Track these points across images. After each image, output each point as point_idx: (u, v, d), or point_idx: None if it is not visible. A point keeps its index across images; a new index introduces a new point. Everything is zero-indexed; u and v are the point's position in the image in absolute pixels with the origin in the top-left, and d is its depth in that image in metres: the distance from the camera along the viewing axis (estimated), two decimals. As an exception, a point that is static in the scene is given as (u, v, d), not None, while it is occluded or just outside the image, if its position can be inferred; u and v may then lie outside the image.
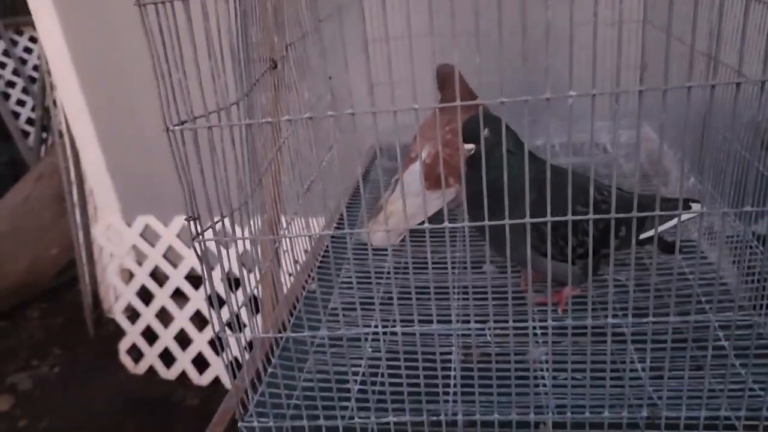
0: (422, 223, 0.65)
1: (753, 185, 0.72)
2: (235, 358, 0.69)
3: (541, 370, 0.75)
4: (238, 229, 0.64)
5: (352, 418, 0.68)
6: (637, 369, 0.70)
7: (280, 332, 0.80)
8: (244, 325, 0.67)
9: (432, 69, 1.12)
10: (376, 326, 0.66)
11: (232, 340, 0.66)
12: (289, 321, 0.85)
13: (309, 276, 1.00)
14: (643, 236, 0.82)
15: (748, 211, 0.57)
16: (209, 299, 0.60)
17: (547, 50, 0.54)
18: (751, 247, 0.84)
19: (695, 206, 0.87)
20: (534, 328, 0.64)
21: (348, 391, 0.70)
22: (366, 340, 0.79)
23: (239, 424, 0.68)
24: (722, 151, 0.92)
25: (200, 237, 0.59)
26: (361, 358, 0.77)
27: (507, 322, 0.62)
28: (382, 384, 0.69)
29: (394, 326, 0.63)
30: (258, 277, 0.69)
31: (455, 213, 1.12)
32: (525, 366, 0.73)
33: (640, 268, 0.91)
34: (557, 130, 1.31)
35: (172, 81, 0.55)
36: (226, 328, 0.64)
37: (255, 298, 0.73)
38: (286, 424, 0.68)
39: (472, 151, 0.79)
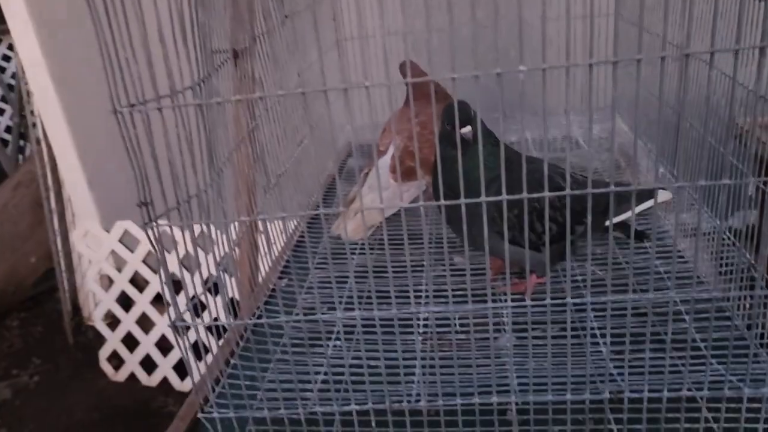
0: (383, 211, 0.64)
1: (707, 161, 0.72)
2: (201, 347, 0.68)
3: (505, 356, 0.74)
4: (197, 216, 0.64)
5: (314, 408, 0.67)
6: (600, 351, 0.70)
7: (241, 320, 0.79)
8: (205, 316, 0.66)
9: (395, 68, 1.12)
10: (337, 311, 0.65)
11: (193, 331, 0.65)
12: (255, 315, 0.84)
13: (279, 272, 0.99)
14: (607, 223, 0.82)
15: (702, 185, 0.57)
16: (163, 286, 0.59)
17: (496, 28, 0.54)
18: (717, 233, 0.84)
19: (662, 193, 0.88)
20: (497, 314, 0.64)
21: (311, 383, 0.69)
22: (330, 332, 0.79)
23: (199, 415, 0.67)
24: (689, 139, 0.92)
25: (152, 222, 0.58)
26: (325, 351, 0.76)
27: (467, 305, 0.61)
28: (346, 374, 0.69)
29: (355, 312, 0.63)
30: (218, 263, 0.68)
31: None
32: (488, 353, 0.73)
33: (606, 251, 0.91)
34: (530, 124, 1.31)
35: (119, 61, 0.54)
36: (185, 316, 0.63)
37: (216, 288, 0.72)
38: (247, 414, 0.67)
39: (469, 134, 0.78)
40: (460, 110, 0.79)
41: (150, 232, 0.58)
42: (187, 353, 0.63)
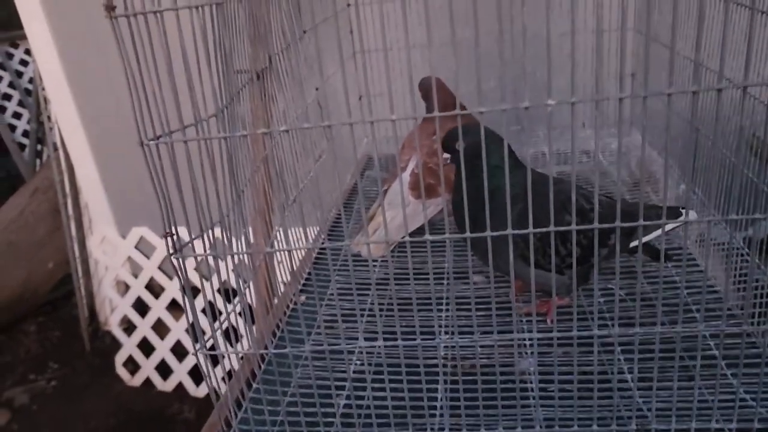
0: (404, 236, 0.64)
1: (739, 191, 0.71)
2: (228, 372, 0.68)
3: (529, 382, 0.74)
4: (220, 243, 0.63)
5: (337, 434, 0.66)
6: (626, 380, 0.69)
7: (264, 348, 0.79)
8: (231, 342, 0.65)
9: (418, 79, 1.11)
10: (358, 340, 0.64)
11: (218, 359, 0.65)
12: (275, 336, 0.83)
13: (297, 290, 0.98)
14: (632, 245, 0.81)
15: (734, 219, 0.56)
16: (191, 319, 0.59)
17: (524, 54, 0.53)
18: (741, 255, 0.83)
19: (690, 213, 0.86)
20: (521, 339, 0.63)
21: (333, 406, 0.69)
22: (351, 353, 0.78)
23: (222, 441, 0.67)
24: (711, 157, 0.91)
25: (178, 253, 0.58)
26: (346, 373, 0.76)
27: (492, 333, 0.61)
28: (368, 399, 0.68)
29: (377, 340, 0.62)
30: (243, 290, 0.68)
31: (442, 224, 1.11)
32: (512, 378, 0.72)
33: (631, 276, 0.90)
34: (546, 138, 1.30)
35: (146, 94, 0.54)
36: (213, 343, 0.63)
37: (244, 312, 0.72)
38: (270, 441, 0.67)
39: (447, 161, 0.78)
40: (446, 138, 0.79)
41: (176, 262, 0.58)
42: (211, 379, 0.62)
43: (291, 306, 0.92)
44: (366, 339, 0.77)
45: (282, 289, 1.01)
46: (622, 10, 0.55)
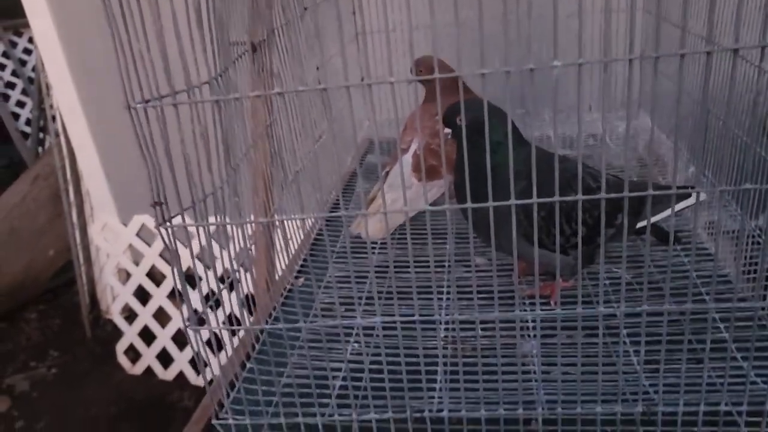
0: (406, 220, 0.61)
1: (751, 166, 0.68)
2: (215, 345, 0.66)
3: (531, 364, 0.71)
4: (212, 217, 0.61)
5: (332, 415, 0.64)
6: (632, 362, 0.66)
7: (258, 324, 0.77)
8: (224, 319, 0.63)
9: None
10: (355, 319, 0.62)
11: (204, 335, 0.63)
12: (271, 317, 0.81)
13: (296, 270, 0.96)
14: (639, 225, 0.78)
15: (748, 189, 0.53)
16: (177, 292, 0.57)
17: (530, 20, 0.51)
18: (753, 238, 0.80)
19: (696, 194, 0.84)
20: (523, 321, 0.61)
21: (329, 387, 0.67)
22: (349, 336, 0.76)
23: (213, 421, 0.65)
24: (722, 137, 0.88)
25: (167, 223, 0.56)
26: (343, 354, 0.74)
27: (493, 312, 0.58)
28: (365, 381, 0.66)
29: (376, 317, 0.60)
30: (234, 263, 0.66)
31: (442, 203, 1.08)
32: (513, 360, 0.70)
33: (638, 263, 0.87)
34: (550, 122, 1.28)
35: (133, 55, 0.52)
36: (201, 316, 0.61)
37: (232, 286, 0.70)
38: (264, 421, 0.65)
39: (449, 137, 0.76)
40: (447, 113, 0.76)
41: (164, 232, 0.56)
42: (200, 356, 0.60)
43: (288, 287, 0.90)
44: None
45: (280, 271, 0.99)
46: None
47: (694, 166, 1.01)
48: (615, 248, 0.88)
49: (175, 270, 0.57)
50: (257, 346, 0.75)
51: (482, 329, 0.75)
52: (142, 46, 0.51)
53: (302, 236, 1.10)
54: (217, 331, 0.61)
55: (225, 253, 0.64)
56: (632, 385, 0.62)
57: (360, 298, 0.79)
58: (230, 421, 0.65)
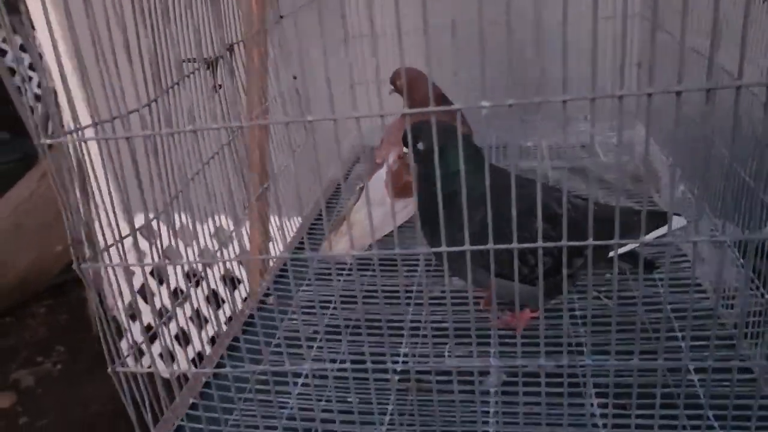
0: (369, 247, 0.57)
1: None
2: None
3: (492, 403, 0.67)
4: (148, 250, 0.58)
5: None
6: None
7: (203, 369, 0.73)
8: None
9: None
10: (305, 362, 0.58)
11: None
12: (223, 357, 0.78)
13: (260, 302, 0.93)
14: (611, 254, 0.73)
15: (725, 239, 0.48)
16: (104, 328, 0.54)
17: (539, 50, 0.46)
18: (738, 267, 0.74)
19: (677, 219, 0.78)
20: (482, 367, 0.56)
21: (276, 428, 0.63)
22: (298, 376, 0.72)
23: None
24: (715, 159, 0.82)
25: (85, 262, 0.52)
26: (290, 396, 0.70)
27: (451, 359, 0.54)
28: (316, 421, 0.62)
29: (328, 362, 0.56)
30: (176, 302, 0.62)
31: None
32: (472, 399, 0.65)
33: (609, 291, 0.81)
34: (546, 131, 1.22)
35: (47, 87, 0.48)
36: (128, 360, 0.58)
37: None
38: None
39: (405, 153, 0.71)
40: (406, 133, 0.72)
41: (83, 275, 0.52)
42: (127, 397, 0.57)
43: (256, 307, 0.87)
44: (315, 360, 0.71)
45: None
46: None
47: (684, 184, 0.95)
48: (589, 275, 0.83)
49: (98, 312, 0.54)
50: (201, 390, 0.72)
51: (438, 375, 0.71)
52: (54, 80, 0.48)
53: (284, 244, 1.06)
54: (146, 371, 0.58)
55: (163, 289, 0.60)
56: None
57: (317, 333, 0.75)
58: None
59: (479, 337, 0.58)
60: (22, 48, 3.61)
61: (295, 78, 1.02)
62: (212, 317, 0.67)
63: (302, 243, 1.03)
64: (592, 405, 0.60)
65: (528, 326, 0.78)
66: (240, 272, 1.63)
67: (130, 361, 0.58)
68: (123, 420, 2.38)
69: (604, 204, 0.84)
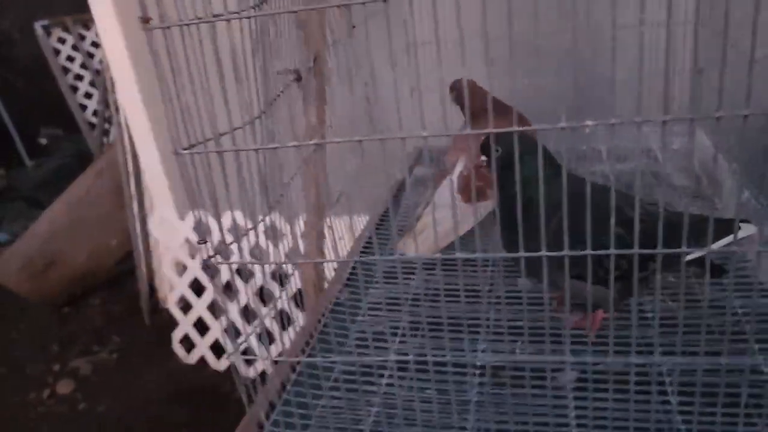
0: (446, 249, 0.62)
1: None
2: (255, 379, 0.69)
3: (566, 397, 0.71)
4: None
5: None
6: (669, 409, 0.65)
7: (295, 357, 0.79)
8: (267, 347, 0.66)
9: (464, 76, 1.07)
10: (392, 354, 0.64)
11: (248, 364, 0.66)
12: (308, 345, 0.84)
13: (335, 298, 0.98)
14: (689, 257, 0.76)
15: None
16: (225, 324, 0.60)
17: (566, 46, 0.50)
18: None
19: (745, 227, 0.81)
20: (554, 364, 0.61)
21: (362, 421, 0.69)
22: (383, 368, 0.77)
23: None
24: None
25: (212, 259, 0.58)
26: (377, 386, 0.75)
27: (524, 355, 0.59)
28: (399, 409, 0.68)
29: (408, 356, 0.61)
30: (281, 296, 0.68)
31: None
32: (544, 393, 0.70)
33: (689, 296, 0.85)
34: (602, 135, 1.25)
35: (180, 104, 0.54)
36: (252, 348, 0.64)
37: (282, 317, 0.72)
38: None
39: (483, 164, 0.76)
40: (484, 142, 0.77)
41: (208, 271, 0.58)
42: (242, 380, 0.63)
43: (328, 311, 0.92)
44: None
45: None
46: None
47: (749, 190, 0.97)
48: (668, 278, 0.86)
49: (221, 305, 0.60)
50: (293, 377, 0.78)
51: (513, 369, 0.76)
52: (188, 96, 0.53)
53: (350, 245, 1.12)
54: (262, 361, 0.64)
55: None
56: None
57: (395, 332, 0.80)
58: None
59: (552, 336, 0.62)
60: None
61: (366, 85, 1.08)
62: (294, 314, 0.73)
63: (370, 242, 1.08)
64: (667, 404, 0.64)
65: (600, 327, 0.82)
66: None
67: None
68: (177, 405, 2.47)
69: (674, 211, 0.87)
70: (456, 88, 1.02)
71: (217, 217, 0.57)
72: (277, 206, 0.68)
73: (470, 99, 0.62)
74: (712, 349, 0.56)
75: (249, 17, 0.54)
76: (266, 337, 0.69)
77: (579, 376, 0.73)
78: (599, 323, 0.83)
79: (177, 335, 2.58)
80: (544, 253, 0.54)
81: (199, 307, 2.52)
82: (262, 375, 0.75)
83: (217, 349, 2.52)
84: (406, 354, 0.63)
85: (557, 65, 0.53)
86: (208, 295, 2.50)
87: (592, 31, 0.51)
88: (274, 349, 0.71)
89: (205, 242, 0.59)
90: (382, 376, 0.75)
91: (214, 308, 2.52)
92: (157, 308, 2.81)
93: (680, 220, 0.57)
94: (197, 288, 2.53)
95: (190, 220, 2.47)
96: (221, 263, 0.59)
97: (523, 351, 0.67)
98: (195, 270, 2.51)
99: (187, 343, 2.58)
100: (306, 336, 0.83)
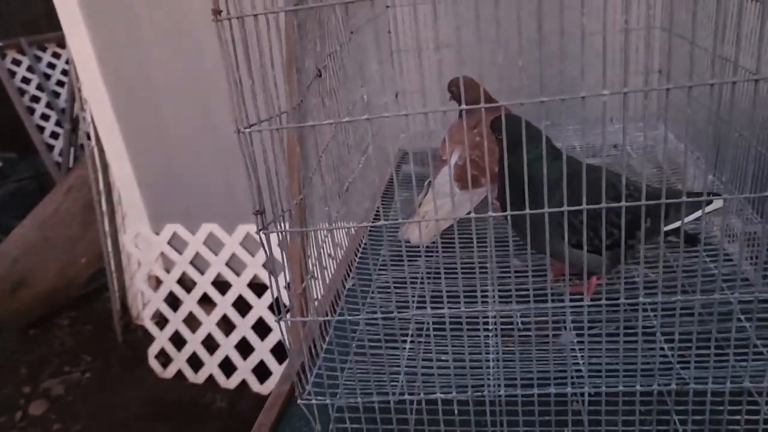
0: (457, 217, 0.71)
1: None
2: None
3: (573, 350, 0.81)
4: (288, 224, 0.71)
5: (402, 394, 0.74)
6: (664, 349, 0.76)
7: (330, 315, 0.86)
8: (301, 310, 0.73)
9: (449, 78, 1.17)
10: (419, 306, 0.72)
11: (285, 325, 0.72)
12: (334, 309, 0.91)
13: (348, 271, 1.06)
14: (667, 228, 0.87)
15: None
16: (271, 286, 0.66)
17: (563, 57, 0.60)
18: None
19: (716, 201, 0.93)
20: (555, 309, 0.70)
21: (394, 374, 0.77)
22: (405, 331, 0.86)
23: (298, 401, 0.74)
24: (739, 148, 0.97)
25: (265, 229, 0.65)
26: (405, 339, 0.83)
27: (544, 302, 0.67)
28: (429, 364, 0.76)
29: (436, 307, 0.69)
30: (312, 267, 0.75)
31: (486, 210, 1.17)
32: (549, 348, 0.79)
33: (665, 262, 0.96)
34: (575, 132, 1.37)
35: (242, 89, 0.61)
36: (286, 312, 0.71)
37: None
38: (342, 402, 0.74)
39: (496, 137, 0.86)
40: (495, 121, 0.87)
41: (263, 237, 0.65)
42: (290, 344, 0.70)
43: (341, 288, 1.00)
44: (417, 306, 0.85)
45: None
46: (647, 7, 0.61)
47: (712, 174, 1.10)
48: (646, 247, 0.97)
49: (271, 270, 0.67)
50: (327, 338, 0.85)
51: (521, 324, 0.85)
52: (246, 81, 0.61)
53: (347, 243, 1.19)
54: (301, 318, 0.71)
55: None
56: (667, 367, 0.72)
57: (413, 297, 0.88)
58: (313, 401, 0.74)
59: (554, 301, 0.72)
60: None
61: (362, 87, 1.16)
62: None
63: (377, 231, 1.16)
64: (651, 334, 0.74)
65: (595, 291, 0.92)
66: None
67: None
68: (157, 420, 2.48)
69: (657, 188, 0.98)
70: (454, 85, 1.13)
71: (270, 189, 0.64)
72: (310, 181, 0.76)
73: (466, 93, 0.71)
74: (687, 298, 0.66)
75: (308, 8, 0.62)
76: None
77: (576, 336, 0.83)
78: (593, 288, 0.93)
79: (153, 350, 2.58)
80: (546, 209, 0.64)
81: (176, 321, 2.53)
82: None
83: (195, 361, 2.53)
84: (424, 311, 0.71)
85: (530, 68, 0.62)
86: (185, 308, 2.51)
87: (555, 37, 0.61)
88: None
89: (261, 213, 0.65)
90: (404, 340, 0.84)
91: (190, 321, 2.53)
92: (130, 326, 2.80)
93: (660, 193, 0.66)
94: (172, 303, 2.55)
95: (165, 234, 2.49)
96: (289, 231, 0.67)
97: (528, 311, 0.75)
98: (170, 284, 2.53)
99: (163, 358, 2.59)
100: (328, 302, 0.91)
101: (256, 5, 0.62)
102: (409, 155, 1.43)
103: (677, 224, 0.90)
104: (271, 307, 2.35)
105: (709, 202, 0.87)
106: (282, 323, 0.70)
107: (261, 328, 2.42)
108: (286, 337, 0.71)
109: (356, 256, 1.10)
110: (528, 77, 0.62)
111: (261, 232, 0.66)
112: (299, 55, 0.78)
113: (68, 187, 2.79)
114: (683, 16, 1.22)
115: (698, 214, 0.89)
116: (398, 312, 0.73)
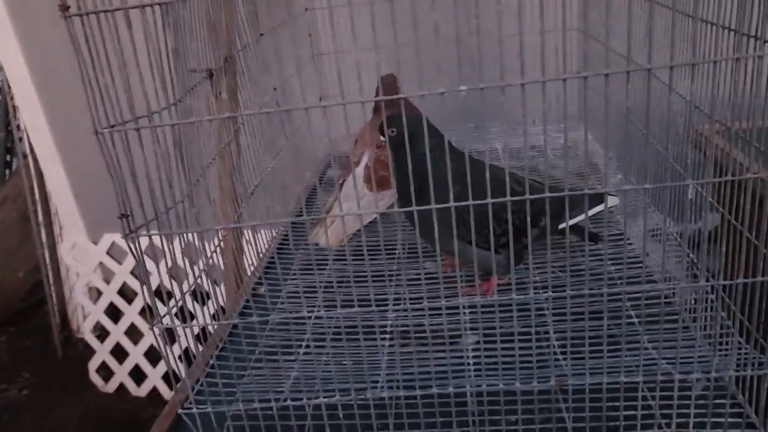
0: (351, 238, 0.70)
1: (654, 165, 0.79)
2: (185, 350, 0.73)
3: (468, 354, 0.80)
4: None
5: (285, 400, 0.72)
6: (552, 346, 0.76)
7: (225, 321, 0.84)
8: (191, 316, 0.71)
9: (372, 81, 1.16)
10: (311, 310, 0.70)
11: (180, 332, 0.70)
12: (234, 316, 0.89)
13: (258, 277, 1.04)
14: (561, 226, 0.87)
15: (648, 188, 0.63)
16: (147, 306, 0.64)
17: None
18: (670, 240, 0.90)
19: (611, 198, 0.94)
20: (463, 306, 0.69)
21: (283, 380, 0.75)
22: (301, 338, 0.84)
23: (178, 410, 0.72)
24: (643, 146, 0.99)
25: (133, 234, 0.63)
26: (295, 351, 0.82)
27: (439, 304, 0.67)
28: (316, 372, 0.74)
29: (325, 311, 0.68)
30: (200, 270, 0.73)
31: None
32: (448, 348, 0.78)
33: (570, 254, 0.97)
34: (497, 135, 1.38)
35: (99, 87, 0.59)
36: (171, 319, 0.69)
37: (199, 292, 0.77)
38: (224, 409, 0.72)
39: (383, 143, 0.85)
40: (380, 123, 0.87)
41: (131, 243, 0.63)
42: (167, 353, 0.68)
43: (249, 293, 0.98)
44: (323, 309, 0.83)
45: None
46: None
47: (621, 173, 1.12)
48: (542, 246, 0.97)
49: (142, 278, 0.65)
50: (220, 345, 0.83)
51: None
52: (107, 79, 0.59)
53: (265, 247, 1.17)
54: (185, 332, 0.69)
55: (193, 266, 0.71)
56: (548, 364, 0.72)
57: (312, 307, 0.87)
58: (194, 411, 0.72)
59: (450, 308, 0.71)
60: None
61: (275, 89, 1.15)
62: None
63: (286, 237, 1.14)
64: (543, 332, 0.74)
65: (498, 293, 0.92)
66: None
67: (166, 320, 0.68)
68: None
69: (557, 186, 0.99)
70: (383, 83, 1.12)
71: (138, 191, 0.62)
72: (197, 184, 0.74)
73: (384, 93, 0.70)
74: (559, 295, 0.66)
75: (161, 3, 0.61)
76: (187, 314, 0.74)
77: (477, 340, 0.83)
78: (493, 289, 0.93)
79: (93, 364, 2.51)
80: (433, 206, 0.63)
81: (117, 333, 2.47)
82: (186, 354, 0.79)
83: (137, 374, 2.47)
84: (321, 313, 0.69)
85: (452, 72, 0.62)
86: (126, 319, 2.46)
87: (482, 38, 0.60)
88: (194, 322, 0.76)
89: (126, 216, 0.63)
90: (300, 346, 0.82)
91: (132, 333, 2.47)
92: (70, 340, 2.72)
93: (557, 191, 0.66)
94: (113, 314, 2.48)
95: (103, 244, 2.43)
96: (144, 235, 0.64)
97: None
98: (111, 295, 2.47)
99: (105, 372, 2.52)
100: (229, 316, 0.88)
101: (113, 2, 0.60)
102: (331, 159, 1.42)
103: (579, 219, 0.90)
104: (214, 317, 2.31)
105: (600, 199, 0.87)
106: (156, 329, 0.68)
107: (206, 339, 2.38)
108: (161, 345, 0.69)
109: (263, 262, 1.09)
110: (449, 78, 0.62)
111: (128, 237, 0.64)
112: (180, 55, 0.76)
113: (3, 198, 2.71)
114: (596, 18, 1.23)
115: (592, 211, 0.90)
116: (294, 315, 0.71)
